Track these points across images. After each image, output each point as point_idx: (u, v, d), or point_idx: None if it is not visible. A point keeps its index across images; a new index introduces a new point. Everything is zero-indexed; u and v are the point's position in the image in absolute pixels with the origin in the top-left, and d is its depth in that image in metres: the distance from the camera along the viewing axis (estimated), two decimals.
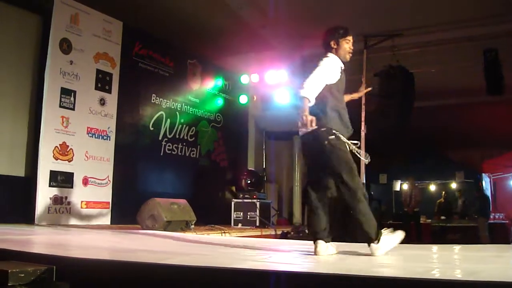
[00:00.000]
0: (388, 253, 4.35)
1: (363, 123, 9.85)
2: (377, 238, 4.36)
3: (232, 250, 5.17)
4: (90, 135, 9.67)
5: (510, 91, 12.50)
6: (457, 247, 5.82)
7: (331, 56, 4.85)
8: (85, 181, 9.53)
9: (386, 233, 4.44)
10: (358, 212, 4.40)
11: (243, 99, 14.00)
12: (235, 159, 13.97)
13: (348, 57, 4.93)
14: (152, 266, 3.45)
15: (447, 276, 3.16)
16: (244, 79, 13.68)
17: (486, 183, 19.51)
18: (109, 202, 9.94)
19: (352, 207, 4.42)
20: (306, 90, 4.52)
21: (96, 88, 9.85)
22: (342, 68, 4.89)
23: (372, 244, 4.37)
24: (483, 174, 19.48)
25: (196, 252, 4.88)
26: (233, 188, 12.55)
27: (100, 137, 9.87)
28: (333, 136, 4.54)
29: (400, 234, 4.54)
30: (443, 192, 19.07)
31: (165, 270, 3.35)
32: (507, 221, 18.07)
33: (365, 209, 4.41)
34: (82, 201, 9.44)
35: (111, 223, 9.77)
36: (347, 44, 4.94)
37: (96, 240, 6.10)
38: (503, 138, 17.15)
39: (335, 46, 4.91)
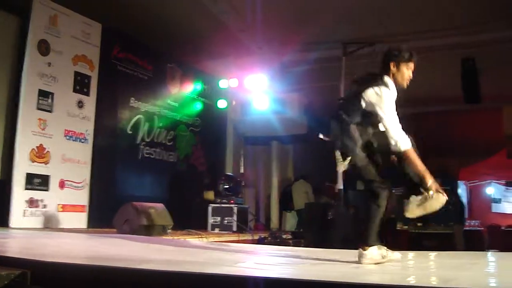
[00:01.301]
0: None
1: None
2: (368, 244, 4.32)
3: (209, 255, 5.16)
4: (67, 137, 9.59)
5: (487, 99, 12.67)
6: (433, 254, 5.86)
7: (389, 83, 4.49)
8: (62, 184, 9.45)
9: (381, 248, 4.40)
10: None
11: (222, 104, 13.98)
12: (213, 164, 13.94)
13: (405, 84, 4.57)
14: (127, 271, 3.43)
15: (423, 283, 3.18)
16: (223, 83, 13.67)
17: (462, 191, 19.69)
18: (85, 206, 9.86)
19: None
20: (403, 141, 4.29)
21: (74, 90, 9.77)
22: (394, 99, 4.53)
23: (361, 250, 4.34)
24: (459, 181, 19.65)
25: (172, 257, 4.86)
26: (211, 193, 12.51)
27: (78, 140, 9.79)
28: None
29: (396, 255, 4.49)
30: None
31: (141, 275, 3.33)
32: (482, 228, 18.26)
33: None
34: (58, 204, 9.34)
35: (87, 227, 9.69)
36: (408, 71, 4.56)
37: (72, 244, 6.05)
38: (479, 146, 17.33)
39: (394, 69, 4.53)
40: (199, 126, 13.51)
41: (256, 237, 10.26)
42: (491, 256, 6.18)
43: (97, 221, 9.70)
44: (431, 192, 4.28)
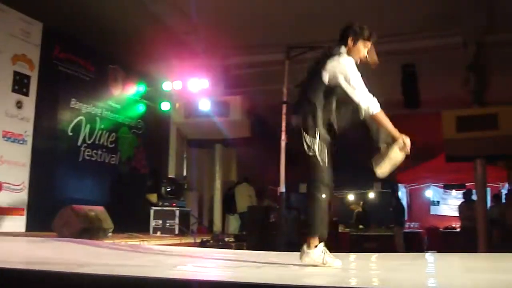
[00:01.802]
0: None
1: (283, 133, 9.93)
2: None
3: (148, 259, 5.13)
4: (5, 139, 9.35)
5: (426, 105, 12.98)
6: (374, 256, 5.96)
7: (344, 53, 4.52)
8: None
9: (325, 252, 4.36)
10: None
11: (165, 106, 13.89)
12: (155, 167, 13.84)
13: (358, 62, 4.57)
14: (65, 275, 3.38)
15: (364, 285, 3.24)
16: (167, 86, 13.59)
17: (402, 194, 20.09)
18: (24, 209, 9.64)
19: None
20: (373, 104, 4.33)
21: (13, 90, 9.52)
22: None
23: (305, 247, 4.33)
24: (399, 184, 20.04)
25: (110, 261, 4.82)
26: (154, 196, 12.43)
27: (16, 141, 9.57)
28: None
29: (336, 263, 4.38)
30: (361, 202, 19.51)
31: (79, 279, 3.29)
32: (421, 230, 18.68)
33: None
34: None
35: (26, 230, 9.47)
36: (363, 49, 4.61)
37: (9, 248, 5.92)
38: (418, 149, 17.67)
39: (350, 44, 4.56)
40: (141, 129, 13.39)
41: (198, 240, 10.24)
42: (430, 257, 6.33)
43: (36, 224, 9.47)
44: (400, 138, 4.42)
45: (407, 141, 4.44)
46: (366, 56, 4.63)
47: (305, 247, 4.32)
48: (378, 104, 4.35)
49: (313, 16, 11.35)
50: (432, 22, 11.42)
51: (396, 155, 4.46)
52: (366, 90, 4.35)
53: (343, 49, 4.55)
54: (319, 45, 11.16)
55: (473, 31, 11.88)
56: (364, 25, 4.67)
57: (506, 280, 3.69)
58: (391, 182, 19.59)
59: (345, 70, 4.35)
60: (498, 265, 4.95)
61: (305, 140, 4.34)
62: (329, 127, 4.47)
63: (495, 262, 5.26)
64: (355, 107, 4.38)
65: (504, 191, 17.26)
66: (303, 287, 3.09)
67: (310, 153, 4.34)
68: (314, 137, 4.34)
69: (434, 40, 11.89)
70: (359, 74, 4.38)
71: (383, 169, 4.48)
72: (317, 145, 4.33)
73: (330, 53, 4.53)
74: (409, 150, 4.46)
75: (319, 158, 4.33)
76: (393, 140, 4.45)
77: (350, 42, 4.57)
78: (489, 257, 6.50)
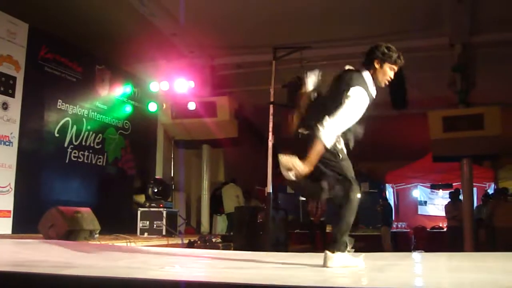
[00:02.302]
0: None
1: (270, 133, 9.95)
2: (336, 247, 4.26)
3: (135, 260, 5.12)
4: None
5: (413, 105, 13.05)
6: (361, 255, 5.98)
7: (366, 77, 4.50)
8: None
9: (349, 253, 4.35)
10: None
11: (152, 107, 13.86)
12: (143, 167, 13.81)
13: (383, 84, 4.56)
14: (51, 277, 3.37)
15: (352, 285, 3.26)
16: (154, 86, 13.57)
17: (390, 194, 20.18)
18: (10, 211, 9.56)
19: None
20: (329, 140, 4.22)
21: None
22: (373, 97, 4.52)
23: (328, 252, 4.28)
24: (387, 184, 20.14)
25: (96, 262, 4.80)
26: (142, 197, 12.40)
27: (2, 143, 9.49)
28: None
29: (361, 263, 4.41)
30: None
31: (66, 281, 3.28)
32: (409, 230, 18.77)
33: None
34: None
35: (12, 232, 9.41)
36: (390, 72, 4.57)
37: None
38: (406, 150, 17.82)
39: (377, 66, 4.53)
40: (128, 129, 13.34)
41: (186, 241, 10.23)
42: (417, 256, 6.37)
43: (22, 226, 9.40)
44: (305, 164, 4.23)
45: (299, 169, 4.22)
46: (391, 78, 4.60)
47: (328, 252, 4.28)
48: (331, 142, 4.23)
49: (300, 17, 11.41)
50: (418, 23, 11.49)
51: (286, 162, 4.29)
52: (341, 128, 4.27)
53: (366, 75, 4.51)
54: (305, 46, 11.29)
55: (458, 32, 11.97)
56: (392, 47, 4.61)
57: (491, 279, 3.72)
58: (378, 182, 19.72)
59: (352, 99, 4.28)
60: (483, 264, 4.98)
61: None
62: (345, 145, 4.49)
63: (481, 262, 5.30)
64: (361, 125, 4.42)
65: (490, 191, 17.39)
66: (290, 287, 3.09)
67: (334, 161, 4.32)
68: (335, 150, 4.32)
69: (420, 40, 11.95)
70: (357, 112, 4.32)
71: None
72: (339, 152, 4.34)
73: (353, 76, 4.48)
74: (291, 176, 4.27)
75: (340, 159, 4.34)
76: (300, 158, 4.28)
77: (376, 65, 4.52)
78: (475, 256, 6.55)
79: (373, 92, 4.50)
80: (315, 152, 4.20)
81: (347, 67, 4.71)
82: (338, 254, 4.25)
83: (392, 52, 4.55)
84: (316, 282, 3.36)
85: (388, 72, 4.54)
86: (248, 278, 3.63)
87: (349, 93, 4.28)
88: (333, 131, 4.20)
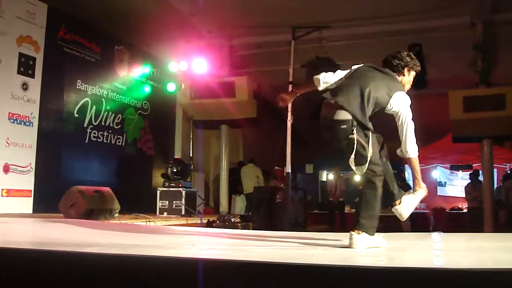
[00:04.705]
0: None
1: (289, 113, 9.93)
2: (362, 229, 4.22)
3: (155, 239, 5.14)
4: (11, 121, 9.36)
5: (433, 85, 12.92)
6: (380, 235, 5.97)
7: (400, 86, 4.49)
8: (6, 169, 9.23)
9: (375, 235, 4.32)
10: None
11: (171, 87, 13.88)
12: (162, 148, 13.86)
13: (406, 90, 4.56)
14: (73, 254, 3.40)
15: (370, 263, 3.25)
16: (172, 66, 13.57)
17: (409, 174, 20.06)
18: (31, 190, 9.67)
19: None
20: (414, 151, 4.45)
21: (19, 72, 9.52)
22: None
23: (353, 233, 4.21)
24: (405, 165, 20.00)
25: (117, 240, 4.83)
26: (161, 177, 12.47)
27: (22, 123, 9.58)
28: None
29: (384, 242, 4.41)
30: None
31: (88, 259, 3.30)
32: (428, 211, 18.68)
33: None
34: (2, 189, 9.13)
35: (33, 212, 9.52)
36: (411, 78, 4.65)
37: (17, 229, 5.95)
38: (426, 130, 17.59)
39: (407, 74, 4.58)
40: (147, 110, 13.39)
41: (204, 220, 10.27)
42: (436, 236, 6.35)
43: (43, 206, 9.51)
44: (421, 188, 4.54)
45: (426, 192, 4.56)
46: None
47: (353, 233, 4.21)
48: (417, 151, 4.45)
49: None
50: (439, 2, 11.35)
51: (417, 201, 4.57)
52: (414, 135, 4.43)
53: (397, 77, 4.53)
54: (325, 25, 11.22)
55: (480, 10, 11.80)
56: (411, 53, 4.69)
57: (511, 258, 3.69)
58: (397, 163, 19.60)
59: (407, 108, 4.34)
60: (504, 244, 4.95)
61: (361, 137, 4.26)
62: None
63: (501, 242, 5.26)
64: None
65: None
66: (309, 265, 3.09)
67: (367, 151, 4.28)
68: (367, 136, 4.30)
69: (441, 19, 11.83)
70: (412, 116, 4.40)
71: (407, 214, 4.54)
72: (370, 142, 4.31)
73: (395, 83, 4.45)
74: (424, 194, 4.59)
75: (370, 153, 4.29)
76: (414, 181, 4.62)
77: (406, 72, 4.58)
78: (496, 237, 6.50)
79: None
80: (417, 168, 4.59)
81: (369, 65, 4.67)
82: (364, 235, 4.22)
83: (415, 60, 4.65)
84: (337, 261, 3.35)
85: (412, 80, 4.65)
86: (267, 257, 3.63)
87: (401, 101, 4.34)
88: (413, 141, 4.43)
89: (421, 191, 4.55)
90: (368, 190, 4.29)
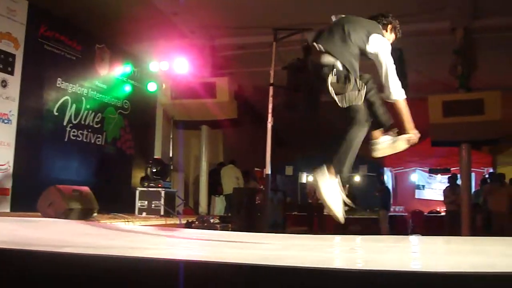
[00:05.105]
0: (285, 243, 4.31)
1: (270, 115, 9.95)
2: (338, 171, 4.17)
3: (132, 239, 5.13)
4: None
5: (414, 89, 12.99)
6: (358, 238, 6.00)
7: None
8: None
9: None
10: None
11: (151, 87, 13.84)
12: (141, 147, 13.81)
13: None
14: (50, 255, 3.37)
15: (347, 266, 3.26)
16: (154, 66, 13.52)
17: (388, 177, 20.22)
18: (8, 189, 9.58)
19: None
20: (399, 91, 4.34)
21: None
22: None
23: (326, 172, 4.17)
24: (385, 168, 20.16)
25: (93, 240, 4.81)
26: (140, 177, 12.43)
27: (1, 120, 9.48)
28: None
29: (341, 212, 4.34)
30: (347, 185, 19.56)
31: (64, 259, 3.28)
32: (406, 214, 18.84)
33: None
34: None
35: (10, 211, 9.43)
36: (391, 38, 4.64)
37: None
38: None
39: (388, 31, 4.62)
40: (128, 109, 13.34)
41: (183, 221, 10.25)
42: (414, 239, 6.39)
43: (21, 205, 9.40)
44: (412, 133, 4.39)
45: (418, 136, 4.43)
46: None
47: (326, 172, 4.18)
48: (404, 93, 4.35)
49: None
50: (420, 7, 11.43)
51: (401, 146, 4.45)
52: (397, 76, 4.32)
53: (384, 31, 4.53)
54: (306, 27, 11.23)
55: (460, 16, 11.91)
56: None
57: (489, 262, 3.72)
58: (376, 165, 19.72)
59: (387, 51, 4.32)
60: (481, 248, 4.99)
61: (348, 79, 4.21)
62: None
63: (478, 245, 5.31)
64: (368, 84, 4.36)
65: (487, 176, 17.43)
66: (287, 268, 3.09)
67: (352, 92, 4.22)
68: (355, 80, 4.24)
69: (421, 24, 11.89)
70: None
71: (381, 153, 4.45)
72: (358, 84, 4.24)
73: (377, 28, 4.49)
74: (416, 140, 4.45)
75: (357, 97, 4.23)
76: (404, 130, 4.42)
77: (389, 30, 4.63)
78: (473, 240, 6.56)
79: None
80: (405, 111, 4.38)
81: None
82: (333, 180, 4.19)
83: (399, 26, 4.71)
84: (313, 263, 3.36)
85: (391, 39, 4.64)
86: (245, 258, 3.63)
87: (380, 43, 4.35)
88: (396, 81, 4.33)
89: (412, 135, 4.42)
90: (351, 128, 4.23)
